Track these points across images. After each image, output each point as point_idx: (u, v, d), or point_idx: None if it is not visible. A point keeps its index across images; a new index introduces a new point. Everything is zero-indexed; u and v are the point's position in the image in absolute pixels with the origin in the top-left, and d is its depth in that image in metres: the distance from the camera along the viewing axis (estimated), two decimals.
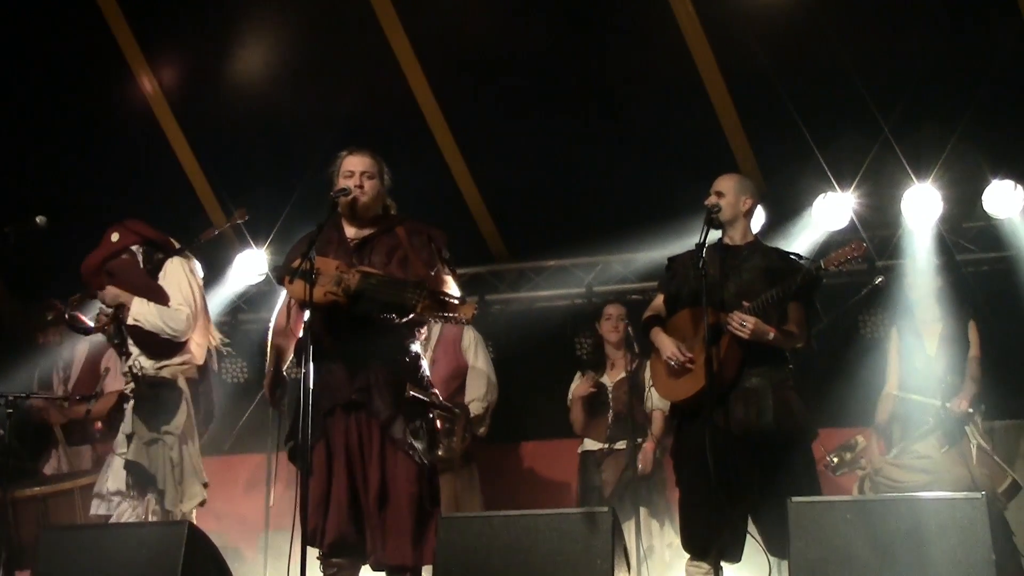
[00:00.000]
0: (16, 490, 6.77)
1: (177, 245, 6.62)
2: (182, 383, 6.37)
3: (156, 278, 6.42)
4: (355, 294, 5.16)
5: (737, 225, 5.72)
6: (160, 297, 6.35)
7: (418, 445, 5.28)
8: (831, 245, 7.55)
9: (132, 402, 6.29)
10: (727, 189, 5.70)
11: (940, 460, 6.64)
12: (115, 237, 6.56)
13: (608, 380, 7.61)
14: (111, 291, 6.35)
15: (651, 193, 8.01)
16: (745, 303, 5.46)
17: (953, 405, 6.68)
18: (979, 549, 4.56)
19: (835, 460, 6.86)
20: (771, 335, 5.43)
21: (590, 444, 7.63)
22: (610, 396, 7.55)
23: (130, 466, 6.09)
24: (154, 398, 6.27)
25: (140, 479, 6.11)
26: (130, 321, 6.26)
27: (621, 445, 7.42)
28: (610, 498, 7.24)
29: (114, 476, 6.19)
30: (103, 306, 6.38)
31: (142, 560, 5.17)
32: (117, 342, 6.44)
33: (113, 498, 6.17)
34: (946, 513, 4.67)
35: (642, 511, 7.27)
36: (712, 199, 5.68)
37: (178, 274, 6.48)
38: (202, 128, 9.35)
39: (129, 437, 6.14)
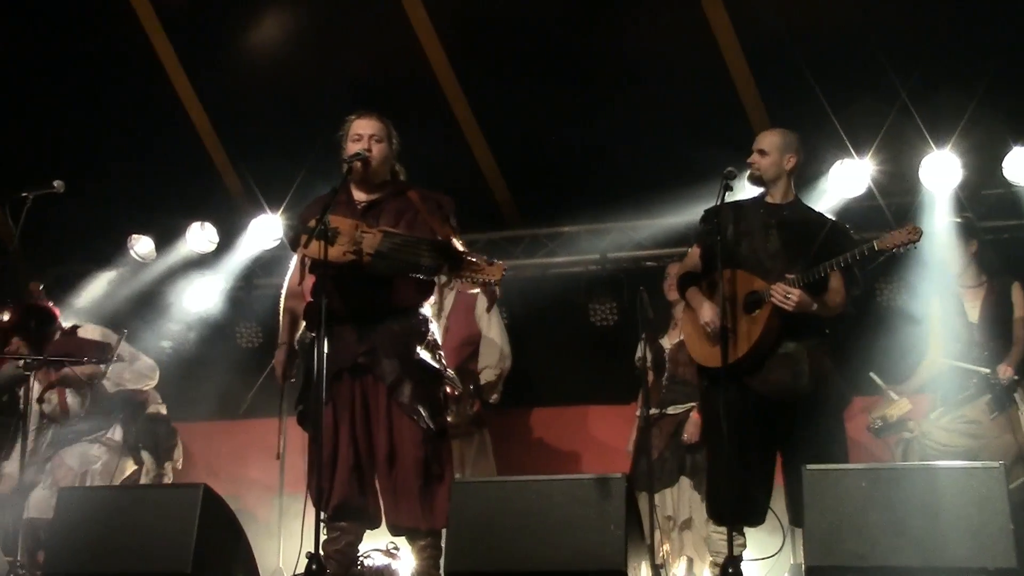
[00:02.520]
0: None
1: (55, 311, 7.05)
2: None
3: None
4: (376, 253, 5.15)
5: (779, 183, 5.65)
6: (104, 352, 6.76)
7: (423, 410, 5.28)
8: (849, 212, 7.49)
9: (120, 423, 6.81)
10: (770, 146, 5.63)
11: (988, 426, 6.60)
12: (5, 316, 6.84)
13: (667, 342, 7.44)
14: (81, 372, 6.55)
15: (666, 159, 7.95)
16: (788, 275, 5.39)
17: (999, 371, 6.63)
18: (997, 519, 4.53)
19: (879, 423, 6.79)
20: (813, 307, 5.38)
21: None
22: (666, 358, 7.39)
23: None
24: (156, 435, 6.59)
25: None
26: (116, 388, 6.80)
27: (673, 410, 7.30)
28: (656, 462, 7.17)
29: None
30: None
31: (157, 522, 5.19)
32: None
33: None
34: (963, 482, 4.64)
35: (684, 481, 7.23)
36: (755, 158, 5.61)
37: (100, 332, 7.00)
38: (216, 92, 9.32)
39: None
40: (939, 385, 6.84)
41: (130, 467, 6.74)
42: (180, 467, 6.93)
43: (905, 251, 5.36)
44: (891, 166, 7.93)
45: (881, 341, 7.20)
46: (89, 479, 6.68)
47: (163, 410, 6.89)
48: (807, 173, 7.87)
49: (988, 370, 6.66)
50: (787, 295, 5.33)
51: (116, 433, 6.67)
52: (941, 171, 7.68)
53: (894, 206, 7.94)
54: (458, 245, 5.28)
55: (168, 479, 6.80)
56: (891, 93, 7.72)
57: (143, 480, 6.66)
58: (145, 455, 6.65)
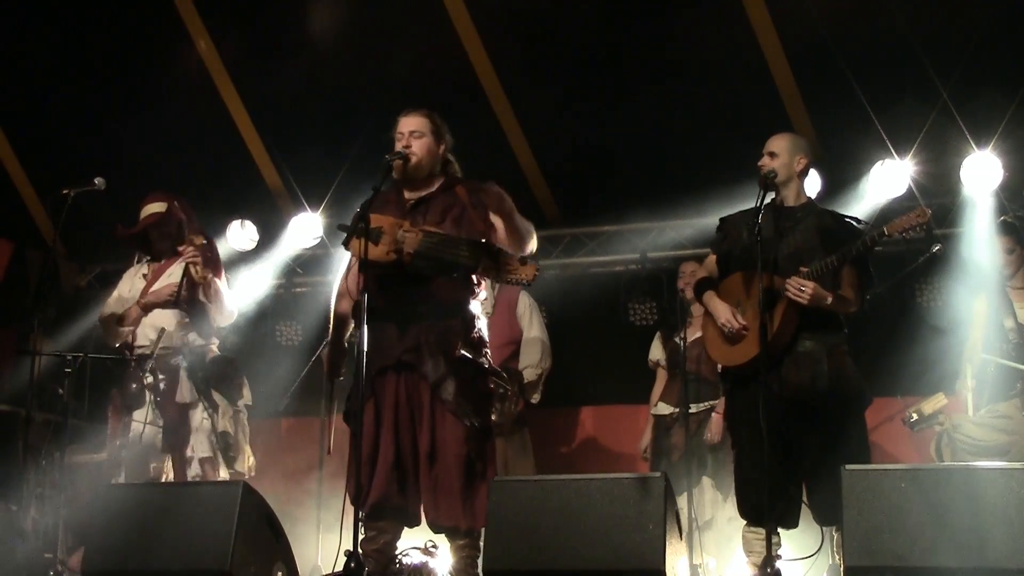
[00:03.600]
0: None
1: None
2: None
3: None
4: (416, 253, 5.18)
5: (791, 186, 5.66)
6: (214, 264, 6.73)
7: (468, 407, 5.28)
8: (890, 212, 7.46)
9: (187, 371, 6.64)
10: (780, 149, 5.64)
11: (1020, 421, 6.53)
12: (176, 203, 6.80)
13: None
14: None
15: (707, 159, 7.95)
16: (803, 268, 5.41)
17: None
18: None
19: (914, 416, 6.76)
20: (828, 300, 5.40)
21: (663, 408, 7.53)
22: (684, 356, 7.30)
23: (221, 436, 6.62)
24: (225, 374, 6.57)
25: (224, 446, 6.65)
26: (202, 298, 6.65)
27: (693, 409, 7.23)
28: (677, 463, 7.17)
29: (200, 443, 6.63)
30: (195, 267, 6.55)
31: (196, 519, 5.22)
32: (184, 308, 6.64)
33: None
34: (1003, 483, 4.61)
35: (705, 481, 7.21)
36: (765, 160, 5.63)
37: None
38: (258, 90, 9.37)
39: (207, 407, 6.62)
40: (987, 385, 6.79)
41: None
42: (251, 403, 6.93)
43: (917, 234, 5.43)
44: (932, 167, 7.89)
45: (918, 343, 7.16)
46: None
47: (216, 349, 6.89)
48: (848, 174, 7.87)
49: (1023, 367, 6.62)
50: (801, 287, 5.35)
51: (183, 390, 6.64)
52: (982, 172, 7.64)
53: (935, 207, 7.85)
54: (518, 234, 5.32)
55: (244, 415, 6.80)
56: (932, 94, 7.69)
57: (221, 421, 6.66)
58: (218, 397, 6.66)
